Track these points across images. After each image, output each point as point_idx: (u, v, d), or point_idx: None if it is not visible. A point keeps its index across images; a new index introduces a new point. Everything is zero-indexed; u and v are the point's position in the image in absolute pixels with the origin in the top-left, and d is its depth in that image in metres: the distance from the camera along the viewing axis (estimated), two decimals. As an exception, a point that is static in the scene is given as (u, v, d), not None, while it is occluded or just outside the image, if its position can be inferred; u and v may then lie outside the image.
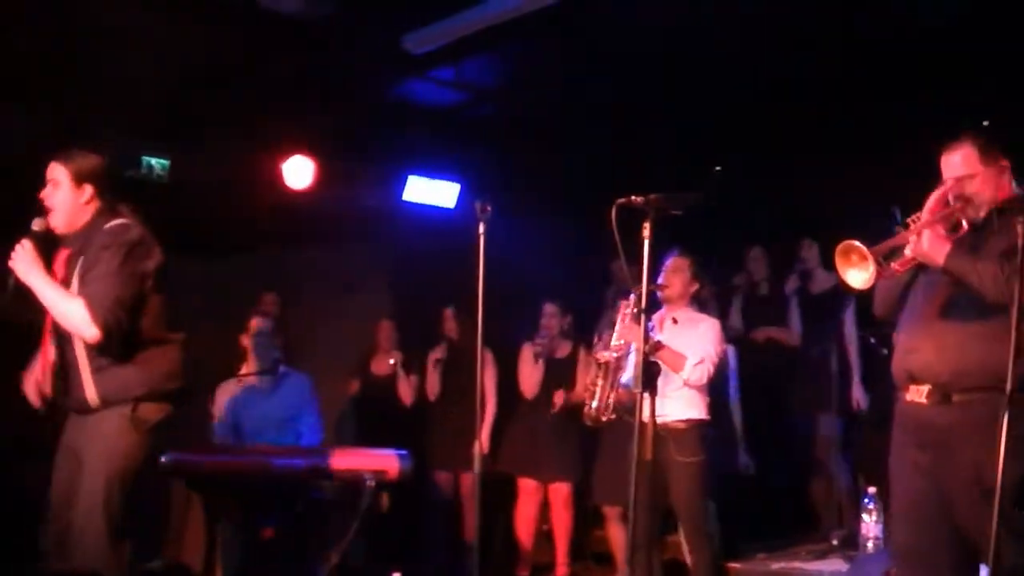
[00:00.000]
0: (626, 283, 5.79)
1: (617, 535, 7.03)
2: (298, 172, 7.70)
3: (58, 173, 4.56)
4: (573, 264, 8.47)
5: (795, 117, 7.51)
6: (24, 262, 4.42)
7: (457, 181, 8.55)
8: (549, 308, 7.73)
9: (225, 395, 6.75)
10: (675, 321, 5.93)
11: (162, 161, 7.30)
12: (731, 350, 6.99)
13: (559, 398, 7.47)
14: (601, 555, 7.55)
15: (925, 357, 4.00)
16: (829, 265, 4.76)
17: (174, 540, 6.46)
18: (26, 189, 4.64)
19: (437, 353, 8.07)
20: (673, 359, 5.65)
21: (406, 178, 8.36)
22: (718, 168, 8.57)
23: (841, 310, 7.50)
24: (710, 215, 6.15)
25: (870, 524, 6.02)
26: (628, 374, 5.84)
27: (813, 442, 7.64)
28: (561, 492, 7.58)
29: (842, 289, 4.72)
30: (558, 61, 7.08)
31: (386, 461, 6.31)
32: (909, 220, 4.06)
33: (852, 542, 6.38)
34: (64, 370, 4.54)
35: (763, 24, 6.33)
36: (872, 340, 7.41)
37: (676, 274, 5.96)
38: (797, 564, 6.31)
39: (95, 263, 4.44)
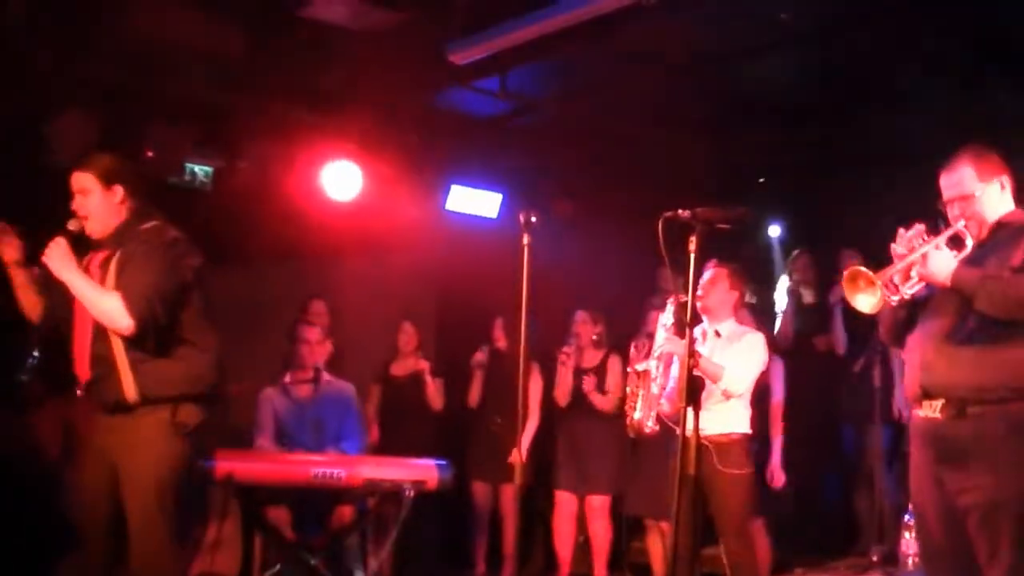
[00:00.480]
0: (672, 293, 5.76)
1: (656, 547, 7.00)
2: (341, 181, 7.73)
3: (85, 181, 4.52)
4: (616, 274, 8.44)
5: (837, 126, 7.47)
6: (58, 258, 4.39)
7: (500, 191, 8.55)
8: (580, 315, 7.71)
9: (267, 402, 6.77)
10: (718, 334, 5.89)
11: (205, 168, 7.34)
12: (778, 364, 6.89)
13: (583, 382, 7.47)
14: (640, 566, 7.51)
15: (939, 372, 4.00)
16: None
17: (208, 549, 6.47)
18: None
19: (480, 355, 8.02)
20: (710, 369, 5.61)
21: (449, 188, 8.38)
22: (762, 180, 8.53)
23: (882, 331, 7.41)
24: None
25: (910, 541, 5.96)
26: (671, 386, 5.80)
27: (859, 454, 7.58)
28: (599, 504, 7.54)
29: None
30: (602, 72, 7.06)
31: (425, 471, 6.33)
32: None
33: (892, 558, 6.32)
34: (99, 367, 4.48)
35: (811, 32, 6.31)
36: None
37: (714, 284, 5.92)
38: (836, 580, 6.29)
39: (131, 259, 4.42)
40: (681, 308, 4.48)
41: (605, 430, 7.35)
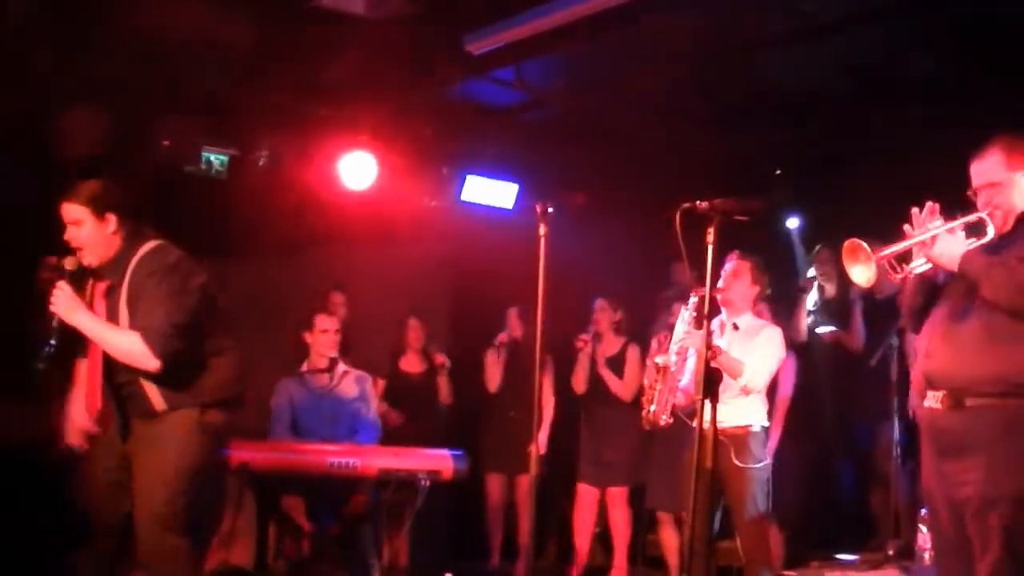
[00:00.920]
0: (689, 286, 5.73)
1: (670, 540, 6.99)
2: (357, 171, 7.72)
3: (76, 212, 4.43)
4: (630, 266, 8.42)
5: (855, 117, 7.43)
6: (65, 304, 4.33)
7: (515, 182, 8.54)
8: (600, 303, 7.72)
9: (284, 392, 6.76)
10: (736, 327, 5.86)
11: (221, 157, 7.34)
12: (790, 359, 6.84)
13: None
14: (654, 559, 7.51)
15: (941, 362, 3.97)
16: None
17: (223, 541, 6.48)
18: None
19: (503, 336, 7.97)
20: (730, 365, 5.59)
21: (464, 178, 8.37)
22: (778, 172, 8.48)
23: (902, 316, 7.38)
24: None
25: (926, 535, 5.91)
26: (687, 379, 5.78)
27: (875, 449, 7.55)
28: (619, 495, 7.54)
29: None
30: (618, 63, 7.03)
31: (440, 461, 6.34)
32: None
33: (908, 553, 6.29)
34: (121, 388, 4.49)
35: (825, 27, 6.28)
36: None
37: (736, 277, 5.89)
38: (852, 574, 6.25)
39: (142, 291, 4.40)
40: (700, 301, 4.44)
41: (623, 418, 7.34)
